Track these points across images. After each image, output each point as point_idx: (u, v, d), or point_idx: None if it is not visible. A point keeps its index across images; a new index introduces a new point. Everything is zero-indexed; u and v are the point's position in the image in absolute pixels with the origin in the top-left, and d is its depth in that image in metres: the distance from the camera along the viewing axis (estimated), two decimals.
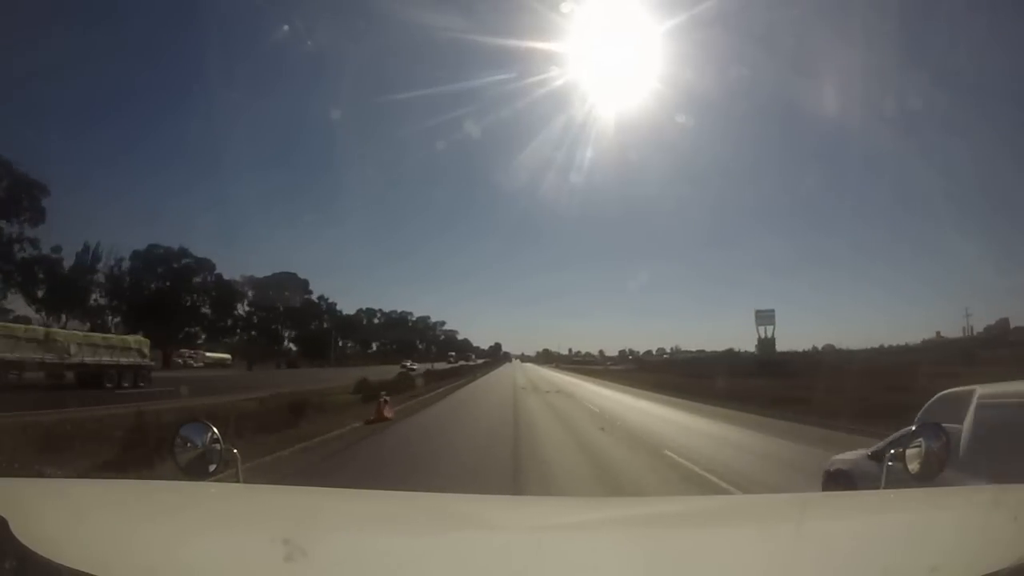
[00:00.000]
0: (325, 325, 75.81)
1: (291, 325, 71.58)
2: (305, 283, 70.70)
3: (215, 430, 1.84)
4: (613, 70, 38.15)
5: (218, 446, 1.82)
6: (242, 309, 64.70)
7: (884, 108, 39.29)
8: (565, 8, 28.03)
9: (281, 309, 68.07)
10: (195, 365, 49.30)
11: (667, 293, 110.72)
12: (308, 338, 72.55)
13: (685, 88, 44.76)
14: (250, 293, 64.47)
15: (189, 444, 1.81)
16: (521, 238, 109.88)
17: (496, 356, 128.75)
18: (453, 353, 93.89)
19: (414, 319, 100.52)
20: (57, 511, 1.38)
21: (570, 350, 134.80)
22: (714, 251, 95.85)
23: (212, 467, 1.80)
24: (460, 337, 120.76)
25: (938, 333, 48.48)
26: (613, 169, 70.73)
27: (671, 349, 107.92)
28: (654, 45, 35.51)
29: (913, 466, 1.75)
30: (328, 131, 68.26)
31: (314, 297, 74.08)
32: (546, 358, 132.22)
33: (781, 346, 57.23)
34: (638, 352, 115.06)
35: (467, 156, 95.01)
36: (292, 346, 72.45)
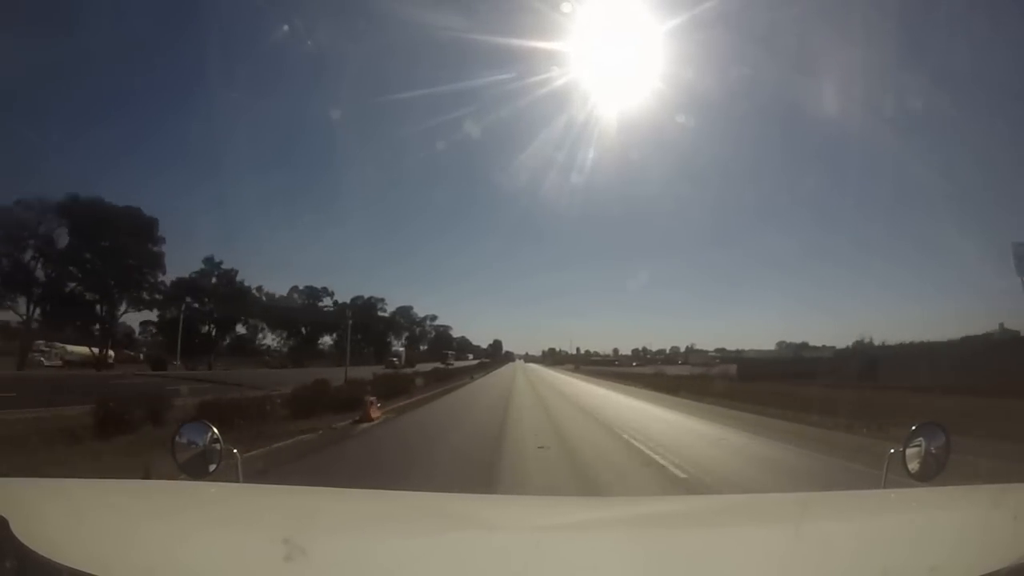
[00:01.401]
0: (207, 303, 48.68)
1: (136, 300, 41.57)
2: (151, 225, 38.20)
3: (215, 430, 1.84)
4: (614, 70, 37.99)
5: (218, 446, 1.82)
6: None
7: (885, 107, 39.21)
8: (566, 8, 27.89)
9: (99, 270, 36.94)
10: (46, 364, 31.49)
11: (671, 291, 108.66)
12: (171, 324, 45.47)
13: (686, 88, 44.59)
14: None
15: (189, 444, 1.81)
16: (522, 238, 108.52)
17: (496, 355, 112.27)
18: (401, 349, 71.78)
19: (391, 310, 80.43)
20: (57, 511, 1.38)
21: (578, 349, 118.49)
22: (719, 249, 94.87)
23: (212, 467, 1.79)
24: (456, 334, 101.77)
25: (1002, 325, 38.16)
26: (615, 168, 70.54)
27: (685, 348, 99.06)
28: (655, 45, 35.35)
29: (913, 466, 1.75)
30: (328, 131, 67.83)
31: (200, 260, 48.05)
32: (553, 358, 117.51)
33: (813, 343, 51.00)
34: (651, 350, 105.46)
35: (468, 156, 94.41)
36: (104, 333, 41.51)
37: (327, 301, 71.93)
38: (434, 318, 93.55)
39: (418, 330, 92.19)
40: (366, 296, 77.77)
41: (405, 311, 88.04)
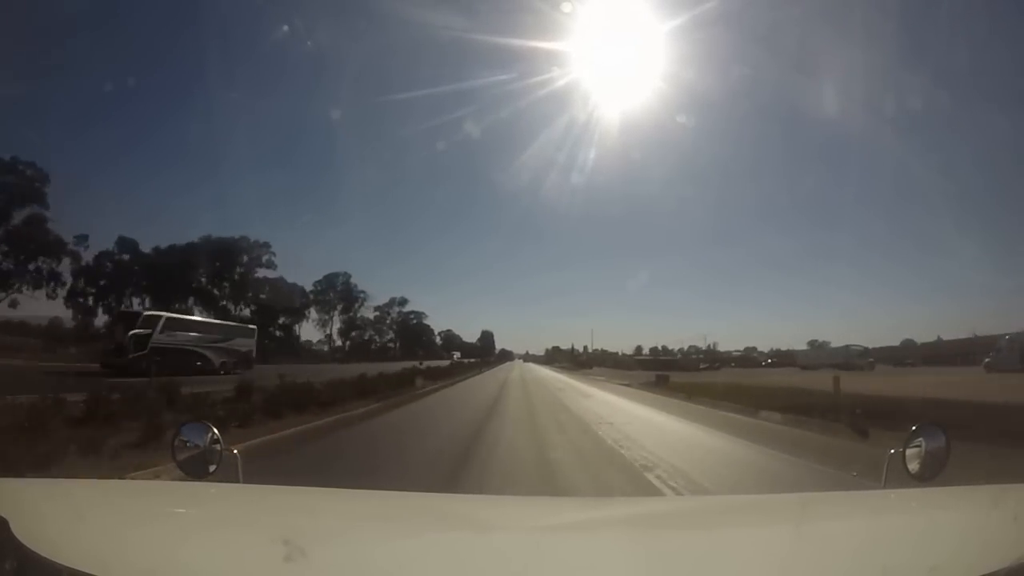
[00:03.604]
0: None
1: None
2: None
3: (215, 430, 1.84)
4: (615, 70, 38.26)
5: (218, 446, 1.82)
6: None
7: (885, 107, 39.32)
8: (567, 8, 27.90)
9: None
10: None
11: (675, 290, 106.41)
12: None
13: (687, 87, 44.67)
14: None
15: (189, 444, 1.82)
16: (522, 237, 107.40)
17: (488, 354, 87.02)
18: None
19: (307, 287, 51.48)
20: (57, 511, 1.38)
21: (585, 347, 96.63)
22: (726, 247, 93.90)
23: (212, 467, 1.80)
24: (436, 327, 75.94)
25: None
26: (616, 168, 70.29)
27: (706, 346, 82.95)
28: (656, 45, 35.54)
29: (913, 466, 1.75)
30: (329, 131, 67.31)
31: None
32: (569, 359, 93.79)
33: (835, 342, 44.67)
34: (671, 349, 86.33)
35: (469, 156, 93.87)
36: None
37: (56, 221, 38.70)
38: (404, 302, 64.42)
39: (373, 315, 61.72)
40: (237, 235, 45.52)
41: (338, 280, 53.25)
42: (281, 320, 51.54)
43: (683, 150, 66.14)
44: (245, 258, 47.23)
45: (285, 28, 40.39)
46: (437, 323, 78.89)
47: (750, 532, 1.46)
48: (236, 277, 46.27)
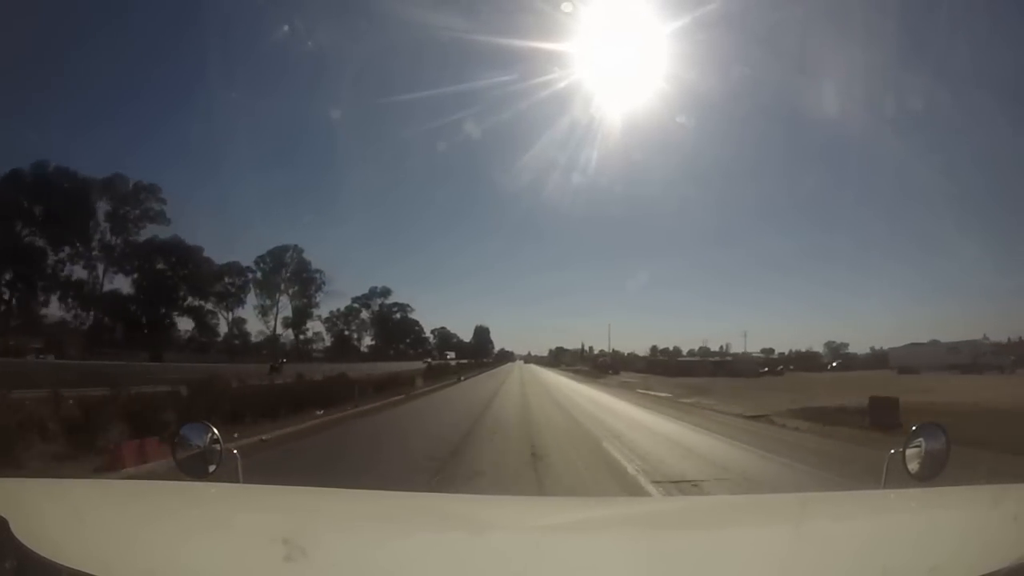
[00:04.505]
0: None
1: None
2: None
3: (215, 430, 1.85)
4: (616, 71, 38.03)
5: (218, 446, 1.82)
6: None
7: (887, 107, 39.34)
8: (567, 8, 27.85)
9: None
10: None
11: (677, 291, 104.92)
12: None
13: (689, 88, 44.45)
14: None
15: (189, 444, 1.82)
16: (523, 238, 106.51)
17: (482, 353, 77.27)
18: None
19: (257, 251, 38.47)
20: (57, 511, 1.38)
21: (591, 348, 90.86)
22: (725, 249, 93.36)
23: (212, 467, 1.80)
24: (430, 326, 69.59)
25: None
26: (618, 169, 69.97)
27: (719, 347, 76.53)
28: (658, 46, 35.34)
29: (913, 466, 1.75)
30: (329, 132, 67.10)
31: None
32: (579, 360, 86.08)
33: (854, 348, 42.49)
34: (681, 350, 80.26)
35: (470, 157, 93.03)
36: None
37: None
38: (386, 292, 57.68)
39: (343, 305, 52.22)
40: (109, 174, 30.08)
41: (287, 255, 37.93)
42: (188, 301, 35.02)
43: (684, 150, 66.02)
44: (125, 209, 31.51)
45: (286, 28, 40.35)
46: (435, 322, 77.16)
47: (750, 532, 1.46)
48: (103, 232, 28.79)
